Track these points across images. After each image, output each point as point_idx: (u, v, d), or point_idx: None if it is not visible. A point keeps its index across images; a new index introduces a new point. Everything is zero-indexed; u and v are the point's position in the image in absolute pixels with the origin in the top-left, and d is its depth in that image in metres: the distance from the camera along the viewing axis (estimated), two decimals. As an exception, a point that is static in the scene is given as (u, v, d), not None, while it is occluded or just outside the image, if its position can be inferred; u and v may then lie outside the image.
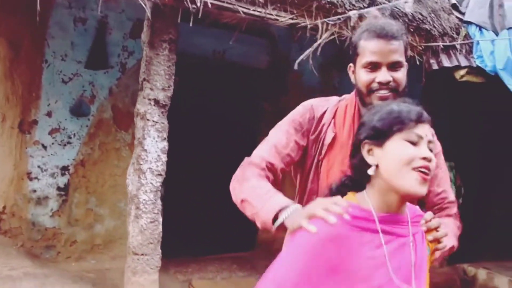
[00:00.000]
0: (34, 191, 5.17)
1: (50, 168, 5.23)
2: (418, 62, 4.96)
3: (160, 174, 4.35)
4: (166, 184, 5.84)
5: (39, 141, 5.17)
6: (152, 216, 4.32)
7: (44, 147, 5.20)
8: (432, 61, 5.01)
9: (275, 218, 1.54)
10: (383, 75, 1.78)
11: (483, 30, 5.07)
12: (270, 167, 1.84)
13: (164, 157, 4.35)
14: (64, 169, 5.30)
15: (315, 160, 1.93)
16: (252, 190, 1.71)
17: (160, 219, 4.39)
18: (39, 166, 5.19)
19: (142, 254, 4.31)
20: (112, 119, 5.44)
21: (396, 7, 4.49)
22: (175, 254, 5.77)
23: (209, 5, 3.94)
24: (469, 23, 5.17)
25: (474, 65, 4.98)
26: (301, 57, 4.33)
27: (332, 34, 4.41)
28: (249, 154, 1.92)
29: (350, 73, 1.93)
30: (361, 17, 4.08)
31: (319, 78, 6.52)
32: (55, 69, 5.21)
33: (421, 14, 4.84)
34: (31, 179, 5.16)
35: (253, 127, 6.33)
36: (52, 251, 5.23)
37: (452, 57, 5.01)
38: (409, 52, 4.84)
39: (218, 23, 4.52)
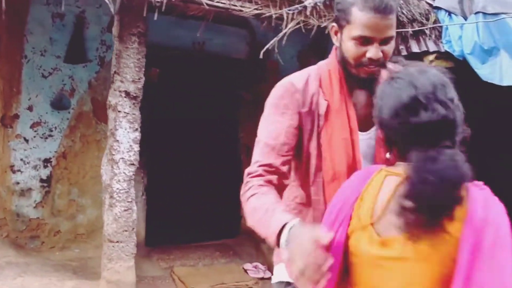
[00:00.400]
0: (18, 183, 5.33)
1: (33, 161, 5.39)
2: (387, 49, 5.04)
3: (133, 164, 4.48)
4: (150, 174, 6.02)
5: (21, 135, 5.33)
6: (126, 204, 4.46)
7: (26, 141, 5.35)
8: (401, 47, 5.07)
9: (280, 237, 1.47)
10: (375, 51, 1.68)
11: (452, 15, 5.11)
12: (268, 169, 1.72)
13: (136, 147, 4.48)
14: (46, 161, 5.45)
15: (314, 133, 1.81)
16: (253, 214, 1.62)
17: (135, 207, 4.53)
18: (21, 159, 5.34)
19: (117, 242, 4.46)
20: (92, 111, 5.58)
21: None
22: (159, 242, 5.94)
23: (173, -2, 4.05)
24: (438, 8, 5.21)
25: (443, 50, 5.04)
26: (267, 46, 4.43)
27: (298, 23, 4.49)
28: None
29: (332, 34, 1.81)
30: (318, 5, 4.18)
31: (297, 66, 6.63)
32: (35, 64, 5.35)
33: (388, 1, 4.90)
34: (14, 172, 5.32)
35: (233, 115, 6.45)
36: (37, 241, 5.39)
37: (421, 42, 5.07)
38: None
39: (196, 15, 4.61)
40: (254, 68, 6.33)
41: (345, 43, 1.73)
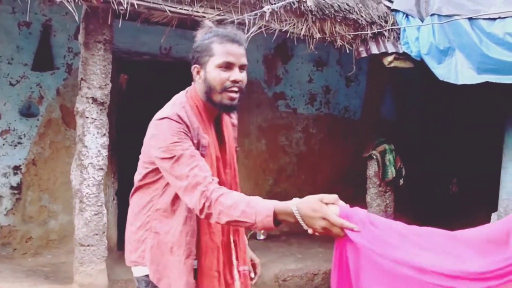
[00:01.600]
0: (-12, 191, 5.37)
1: (3, 168, 5.43)
2: (348, 51, 5.22)
3: (102, 168, 4.56)
4: (120, 179, 6.08)
5: (-11, 143, 5.36)
6: (96, 208, 4.53)
7: (-5, 148, 5.39)
8: (361, 49, 5.26)
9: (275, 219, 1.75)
10: (237, 74, 2.02)
11: (410, 18, 5.32)
12: (210, 175, 1.93)
13: (104, 152, 4.56)
14: (16, 168, 5.49)
15: None
16: (233, 209, 1.80)
17: (104, 211, 4.61)
18: (-9, 167, 5.38)
19: (88, 245, 4.53)
20: (61, 118, 5.63)
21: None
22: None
23: (136, 6, 4.15)
24: (396, 11, 5.42)
25: (401, 51, 5.24)
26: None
27: (260, 27, 4.64)
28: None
29: (194, 74, 2.10)
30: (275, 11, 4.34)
31: (264, 70, 6.78)
32: (2, 72, 5.39)
33: (347, 5, 5.08)
34: (-16, 180, 5.35)
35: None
36: (9, 248, 5.43)
37: (380, 44, 5.26)
38: (338, 41, 5.11)
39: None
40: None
41: (210, 73, 2.03)
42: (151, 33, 5.66)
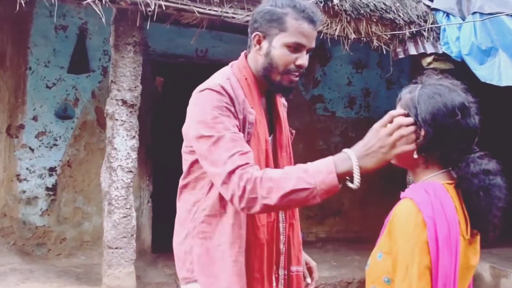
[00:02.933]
0: (24, 191, 5.46)
1: (38, 170, 5.51)
2: (385, 51, 5.04)
3: (131, 171, 4.54)
4: (155, 182, 6.09)
5: (26, 144, 5.45)
6: (125, 211, 4.52)
7: (32, 150, 5.47)
8: (398, 49, 5.06)
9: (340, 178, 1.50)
10: (305, 59, 1.78)
11: (450, 17, 5.09)
12: (250, 159, 1.65)
13: (134, 155, 4.54)
14: (52, 170, 5.56)
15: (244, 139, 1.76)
16: (285, 181, 1.53)
17: (134, 214, 4.59)
18: (27, 168, 5.47)
19: (116, 248, 4.52)
20: (96, 120, 5.68)
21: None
22: (165, 249, 5.98)
23: (164, 7, 4.11)
24: (436, 10, 5.20)
25: (440, 52, 5.01)
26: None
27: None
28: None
29: (254, 42, 1.82)
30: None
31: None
32: (39, 75, 5.48)
33: (384, 4, 4.91)
34: (20, 181, 5.44)
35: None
36: (43, 249, 5.50)
37: (419, 45, 5.05)
38: (375, 42, 4.93)
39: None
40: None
41: (276, 50, 1.77)
42: (186, 36, 5.63)
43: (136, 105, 4.54)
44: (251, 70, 1.86)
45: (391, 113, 1.48)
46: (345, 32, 4.82)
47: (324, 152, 6.84)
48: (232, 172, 1.58)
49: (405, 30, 4.98)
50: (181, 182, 1.91)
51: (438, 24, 5.12)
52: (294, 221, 1.98)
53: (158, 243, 5.96)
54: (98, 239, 5.66)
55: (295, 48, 1.75)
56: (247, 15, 4.40)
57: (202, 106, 1.71)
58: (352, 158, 1.50)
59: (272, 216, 1.84)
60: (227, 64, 1.96)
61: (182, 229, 1.89)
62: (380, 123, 1.49)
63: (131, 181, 4.57)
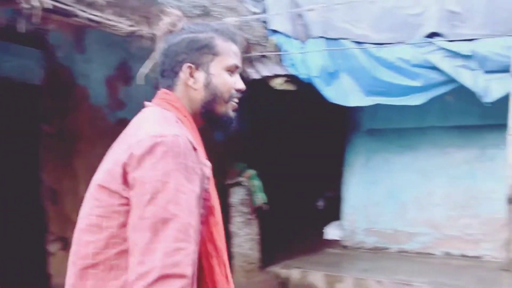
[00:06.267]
0: None
1: None
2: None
3: None
4: None
5: None
6: None
7: None
8: (250, 70, 4.94)
9: None
10: (241, 81, 1.56)
11: (291, 38, 5.20)
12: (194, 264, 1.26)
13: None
14: None
15: (206, 204, 1.41)
16: None
17: None
18: None
19: None
20: None
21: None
22: None
23: None
24: (275, 31, 5.24)
25: (290, 74, 5.09)
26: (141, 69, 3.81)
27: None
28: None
29: (187, 76, 1.51)
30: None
31: (106, 92, 5.87)
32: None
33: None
34: None
35: (32, 153, 5.36)
36: None
37: (266, 66, 5.02)
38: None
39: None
40: (53, 96, 5.36)
41: (217, 77, 1.53)
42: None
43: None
44: (186, 109, 1.53)
45: None
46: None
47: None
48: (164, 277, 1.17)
49: (252, 51, 4.89)
50: (86, 261, 1.32)
51: (279, 45, 5.17)
52: None
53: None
54: None
55: (233, 71, 1.54)
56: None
57: (160, 165, 1.27)
58: None
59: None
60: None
61: None
62: None
63: None
